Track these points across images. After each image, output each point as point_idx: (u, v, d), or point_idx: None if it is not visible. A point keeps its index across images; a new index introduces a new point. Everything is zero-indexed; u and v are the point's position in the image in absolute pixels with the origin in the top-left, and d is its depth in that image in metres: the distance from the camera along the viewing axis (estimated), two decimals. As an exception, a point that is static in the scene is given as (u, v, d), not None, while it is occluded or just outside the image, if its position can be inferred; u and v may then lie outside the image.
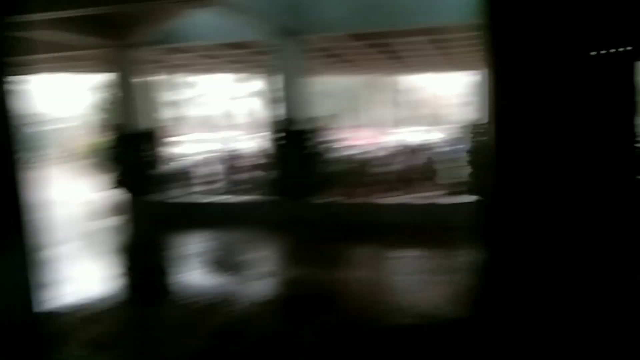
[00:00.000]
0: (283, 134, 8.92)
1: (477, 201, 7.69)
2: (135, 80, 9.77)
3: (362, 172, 9.18)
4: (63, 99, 49.81)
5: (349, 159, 9.76)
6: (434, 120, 46.39)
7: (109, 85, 10.12)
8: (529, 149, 2.33)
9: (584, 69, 2.32)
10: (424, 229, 7.92)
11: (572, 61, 2.32)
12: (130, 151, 9.63)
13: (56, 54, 11.49)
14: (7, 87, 2.43)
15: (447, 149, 12.92)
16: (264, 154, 9.56)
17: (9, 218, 2.42)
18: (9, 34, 2.40)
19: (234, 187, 10.06)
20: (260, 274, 6.19)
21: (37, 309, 3.47)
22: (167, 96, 17.16)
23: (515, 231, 2.47)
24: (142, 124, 9.82)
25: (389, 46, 12.25)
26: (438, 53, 13.80)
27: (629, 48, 2.30)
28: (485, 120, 2.70)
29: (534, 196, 2.36)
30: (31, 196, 2.64)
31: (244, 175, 10.44)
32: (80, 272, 6.60)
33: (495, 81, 2.52)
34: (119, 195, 9.91)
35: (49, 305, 4.23)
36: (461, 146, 8.69)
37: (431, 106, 51.65)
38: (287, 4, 8.63)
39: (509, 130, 2.42)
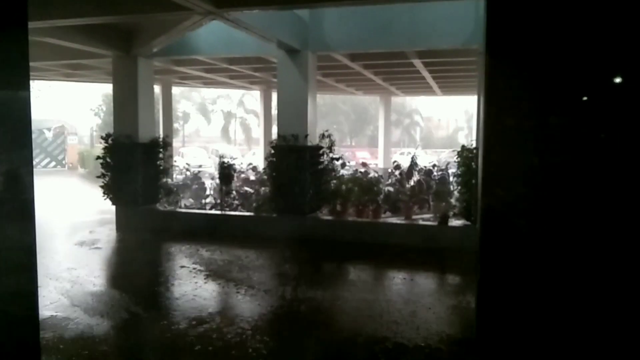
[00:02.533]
0: (286, 150, 8.96)
1: (471, 224, 7.86)
2: (140, 90, 9.85)
3: (365, 190, 9.21)
4: (68, 107, 50.19)
5: (353, 177, 9.81)
6: (434, 143, 46.77)
7: (114, 94, 10.19)
8: (512, 175, 2.38)
9: (576, 100, 2.38)
10: (420, 250, 7.98)
11: (564, 92, 2.38)
12: (130, 161, 9.66)
13: (63, 62, 11.67)
14: (26, 93, 2.51)
15: (445, 171, 13.02)
16: (262, 169, 9.57)
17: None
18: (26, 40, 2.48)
19: (231, 202, 10.07)
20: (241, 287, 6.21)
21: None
22: (170, 108, 17.26)
23: (505, 252, 2.50)
24: (145, 134, 9.87)
25: (393, 67, 12.42)
26: (438, 77, 14.02)
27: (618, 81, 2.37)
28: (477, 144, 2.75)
29: (521, 217, 2.40)
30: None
31: (242, 190, 10.47)
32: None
33: (486, 106, 2.57)
34: (115, 204, 9.93)
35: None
36: (457, 169, 8.75)
37: (431, 129, 52.12)
38: (292, 22, 8.76)
39: (494, 155, 2.47)
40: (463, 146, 8.54)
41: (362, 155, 30.65)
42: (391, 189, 10.33)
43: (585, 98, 2.38)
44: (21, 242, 2.49)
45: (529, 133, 2.46)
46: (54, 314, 5.22)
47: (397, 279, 6.82)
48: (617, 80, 2.39)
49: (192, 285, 6.26)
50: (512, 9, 2.43)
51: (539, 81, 2.48)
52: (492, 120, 2.61)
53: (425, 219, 9.09)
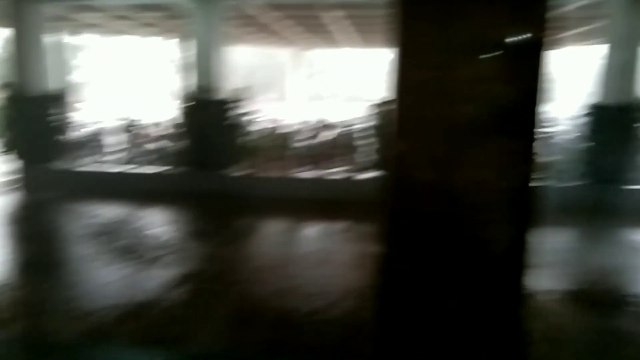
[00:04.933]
0: (196, 104, 8.62)
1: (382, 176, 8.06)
2: (38, 37, 8.96)
3: (277, 146, 9.14)
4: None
5: (264, 132, 9.66)
6: (351, 97, 47.31)
7: (8, 42, 9.21)
8: (426, 130, 2.39)
9: (489, 53, 2.38)
10: (334, 203, 8.12)
11: (478, 46, 2.37)
12: (29, 114, 8.88)
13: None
14: None
15: (362, 125, 13.14)
16: (175, 123, 9.21)
17: None
18: None
19: (140, 157, 9.61)
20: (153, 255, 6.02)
21: None
22: (73, 57, 15.97)
23: (411, 209, 2.52)
24: (44, 85, 9.07)
25: (309, 19, 12.18)
26: (357, 29, 13.96)
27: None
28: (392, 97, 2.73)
29: (432, 170, 2.42)
30: None
31: (153, 145, 9.99)
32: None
33: (400, 57, 2.53)
34: (13, 161, 9.16)
35: None
36: (374, 123, 8.89)
37: (350, 82, 52.47)
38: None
39: (408, 108, 2.47)
40: (378, 99, 8.66)
41: (279, 108, 30.30)
42: (305, 143, 10.33)
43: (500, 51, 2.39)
44: None
45: (444, 84, 2.45)
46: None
47: (305, 230, 6.94)
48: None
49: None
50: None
51: (455, 31, 2.44)
52: (406, 71, 2.57)
53: (339, 172, 9.21)
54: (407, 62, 2.56)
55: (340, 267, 5.36)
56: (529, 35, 2.39)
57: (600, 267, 5.55)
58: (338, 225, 7.10)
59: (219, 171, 8.79)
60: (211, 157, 8.70)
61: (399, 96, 2.56)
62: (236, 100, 8.95)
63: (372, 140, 8.81)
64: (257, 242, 6.37)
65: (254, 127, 9.57)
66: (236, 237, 6.49)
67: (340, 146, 9.88)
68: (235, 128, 8.93)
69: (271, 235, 6.78)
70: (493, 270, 2.47)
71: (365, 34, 15.58)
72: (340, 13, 10.56)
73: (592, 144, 8.49)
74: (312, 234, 6.85)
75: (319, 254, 5.78)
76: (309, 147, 9.63)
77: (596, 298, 4.78)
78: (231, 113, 8.91)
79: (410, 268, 2.52)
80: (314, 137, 10.83)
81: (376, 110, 8.49)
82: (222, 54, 8.97)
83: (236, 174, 8.90)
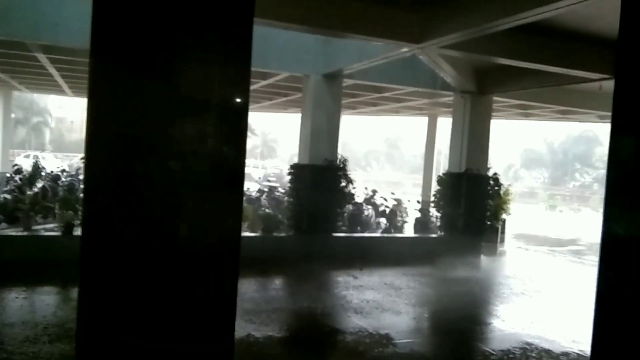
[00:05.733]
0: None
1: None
2: None
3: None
4: None
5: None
6: (66, 147, 42.94)
7: None
8: (115, 183, 2.38)
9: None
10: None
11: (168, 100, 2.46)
12: None
13: None
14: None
15: (75, 177, 12.18)
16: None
17: None
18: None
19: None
20: None
21: None
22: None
23: (107, 260, 2.44)
24: None
25: (9, 58, 10.87)
26: (68, 75, 13.00)
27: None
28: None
29: (123, 225, 2.39)
30: None
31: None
32: None
33: (90, 110, 2.47)
34: None
35: None
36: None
37: (63, 131, 47.77)
38: None
39: (97, 162, 2.43)
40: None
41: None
42: (8, 196, 9.07)
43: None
44: None
45: (133, 140, 2.44)
46: None
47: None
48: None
49: None
50: (119, 11, 2.36)
51: (143, 87, 2.39)
52: (96, 125, 2.50)
53: (48, 229, 8.28)
54: (99, 116, 2.45)
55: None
56: (235, 98, 2.65)
57: (306, 308, 6.25)
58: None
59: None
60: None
61: (90, 150, 2.43)
62: None
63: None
64: None
65: None
66: None
67: (53, 199, 9.01)
68: None
69: None
70: (203, 318, 2.56)
71: (81, 82, 14.63)
72: (52, 56, 9.75)
73: (299, 198, 9.70)
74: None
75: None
76: (16, 200, 8.51)
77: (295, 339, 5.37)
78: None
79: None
80: (23, 188, 9.65)
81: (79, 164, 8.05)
82: None
83: None
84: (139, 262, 2.41)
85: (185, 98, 2.45)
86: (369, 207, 11.77)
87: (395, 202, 12.27)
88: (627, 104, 2.94)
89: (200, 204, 2.53)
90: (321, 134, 9.82)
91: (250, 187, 14.35)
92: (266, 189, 13.81)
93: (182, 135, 2.45)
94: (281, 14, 6.67)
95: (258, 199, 12.34)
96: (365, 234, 10.65)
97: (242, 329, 5.12)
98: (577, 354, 5.09)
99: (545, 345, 5.28)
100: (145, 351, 2.45)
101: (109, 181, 2.37)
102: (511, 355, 4.96)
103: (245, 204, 10.72)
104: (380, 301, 6.59)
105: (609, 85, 7.53)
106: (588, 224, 18.80)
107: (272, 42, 8.94)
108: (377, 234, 10.89)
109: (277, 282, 7.99)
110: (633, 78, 2.95)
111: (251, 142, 43.34)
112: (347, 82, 10.63)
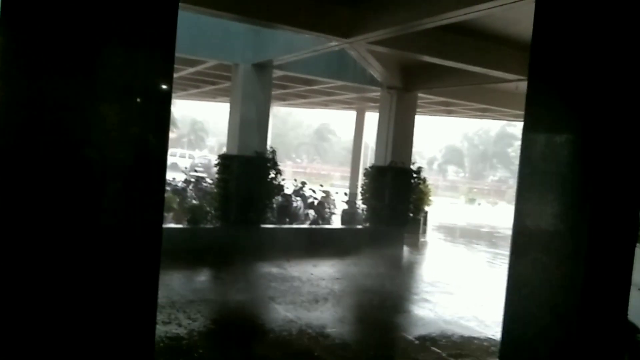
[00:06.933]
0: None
1: None
2: None
3: None
4: None
5: None
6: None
7: None
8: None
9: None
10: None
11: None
12: None
13: None
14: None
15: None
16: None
17: None
18: None
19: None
20: None
21: None
22: None
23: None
24: None
25: None
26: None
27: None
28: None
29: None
30: None
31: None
32: None
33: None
34: None
35: None
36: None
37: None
38: None
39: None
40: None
41: None
42: None
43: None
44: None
45: (48, 127, 2.32)
46: None
47: None
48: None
49: None
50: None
51: (59, 71, 2.33)
52: (7, 112, 2.32)
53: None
54: (11, 101, 2.28)
55: None
56: (158, 84, 2.57)
57: (233, 301, 6.22)
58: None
59: None
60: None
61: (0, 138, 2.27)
62: None
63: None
64: None
65: None
66: None
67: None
68: None
69: None
70: (122, 311, 2.47)
71: None
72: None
73: (227, 189, 9.57)
74: None
75: None
76: None
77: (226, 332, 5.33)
78: None
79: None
80: None
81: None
82: None
83: None
84: (54, 254, 2.29)
85: (104, 83, 2.35)
86: (298, 199, 11.86)
87: (324, 194, 12.45)
88: (538, 104, 3.16)
89: (120, 194, 2.44)
90: (250, 125, 9.72)
91: (177, 177, 13.97)
92: (193, 180, 13.50)
93: (101, 123, 2.35)
94: (210, 1, 6.53)
95: (184, 189, 12.07)
96: (294, 226, 10.72)
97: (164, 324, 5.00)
98: (490, 338, 5.41)
99: (459, 331, 5.59)
100: (62, 348, 2.34)
101: (22, 171, 2.23)
102: (428, 340, 5.20)
103: (170, 195, 10.47)
104: (307, 292, 6.67)
105: (524, 86, 8.01)
106: (503, 217, 19.95)
107: (200, 29, 8.74)
108: (305, 226, 11.00)
109: (203, 275, 7.87)
110: (544, 80, 3.17)
111: (178, 131, 42.21)
112: (277, 73, 10.59)
